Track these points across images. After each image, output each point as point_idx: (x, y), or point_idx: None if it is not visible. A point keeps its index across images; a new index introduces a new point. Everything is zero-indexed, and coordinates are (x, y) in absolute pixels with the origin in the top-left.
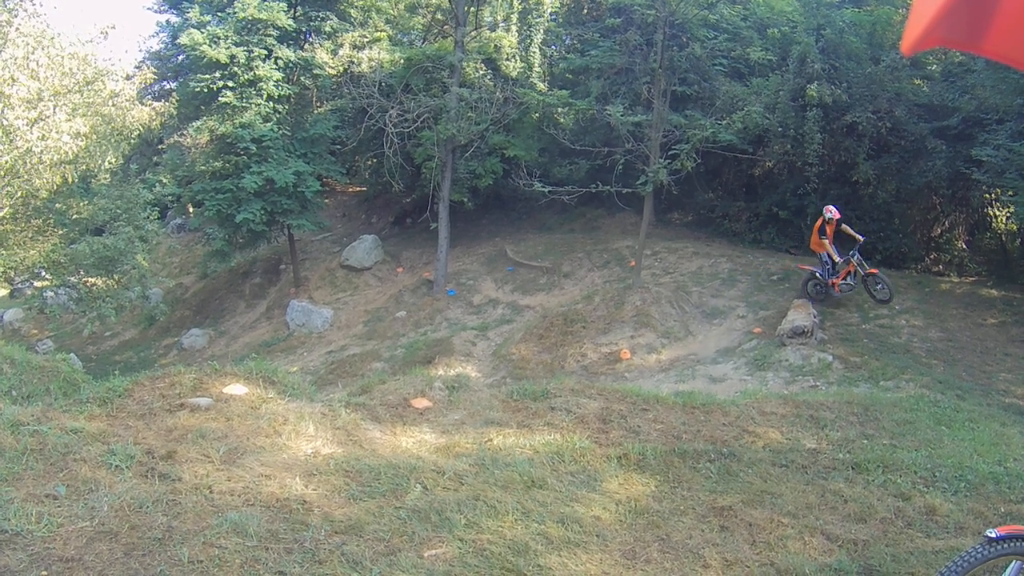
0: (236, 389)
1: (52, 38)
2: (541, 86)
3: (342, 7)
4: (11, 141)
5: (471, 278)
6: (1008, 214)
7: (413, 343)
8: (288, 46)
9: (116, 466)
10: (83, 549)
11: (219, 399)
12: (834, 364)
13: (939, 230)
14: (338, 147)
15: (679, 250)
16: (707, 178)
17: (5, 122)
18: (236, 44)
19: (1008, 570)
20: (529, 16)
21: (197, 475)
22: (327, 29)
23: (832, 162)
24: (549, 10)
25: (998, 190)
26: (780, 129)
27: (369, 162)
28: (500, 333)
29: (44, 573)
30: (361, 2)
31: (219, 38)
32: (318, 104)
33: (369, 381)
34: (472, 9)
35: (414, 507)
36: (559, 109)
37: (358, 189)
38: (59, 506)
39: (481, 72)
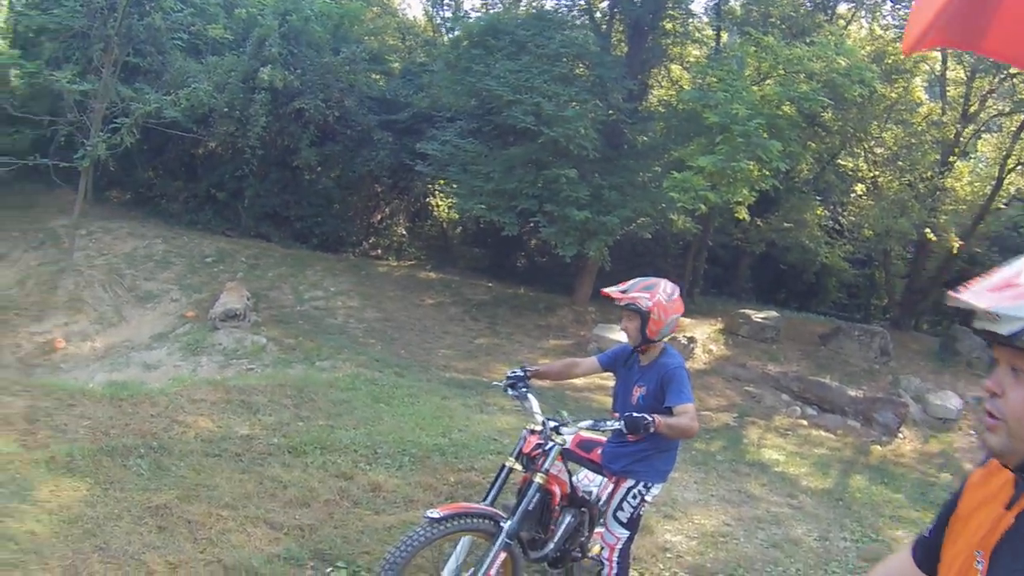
0: None
1: None
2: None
3: None
4: None
5: None
6: (450, 204)
7: None
8: None
9: None
10: None
11: None
12: (268, 346)
13: (380, 216)
14: None
15: (115, 230)
16: (149, 156)
17: None
18: None
19: (459, 546)
20: None
21: None
22: None
23: (276, 146)
24: None
25: (441, 181)
26: (227, 110)
27: None
28: None
29: None
30: None
31: None
32: None
33: None
34: None
35: None
36: (13, 71)
37: None
38: None
39: None
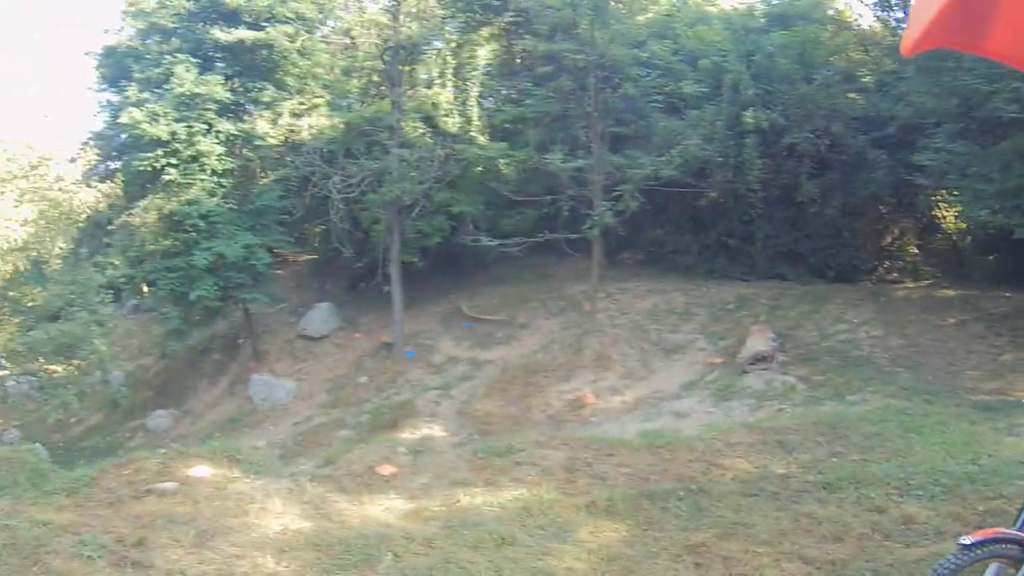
0: (201, 471)
1: None
2: (481, 139)
3: (279, 76)
4: None
5: (429, 337)
6: (955, 213)
7: (377, 408)
8: (228, 118)
9: (89, 556)
10: None
11: (185, 482)
12: (797, 385)
13: (889, 238)
14: (285, 216)
15: (632, 289)
16: (653, 215)
17: None
18: (176, 120)
19: (987, 573)
20: (463, 71)
21: (169, 560)
22: (265, 99)
23: (775, 185)
24: (483, 63)
25: (943, 191)
26: (720, 159)
27: (317, 229)
28: (463, 391)
29: None
30: (297, 70)
31: (158, 115)
32: (262, 175)
33: (334, 451)
34: (407, 68)
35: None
36: (500, 161)
37: (309, 257)
38: None
39: (420, 131)
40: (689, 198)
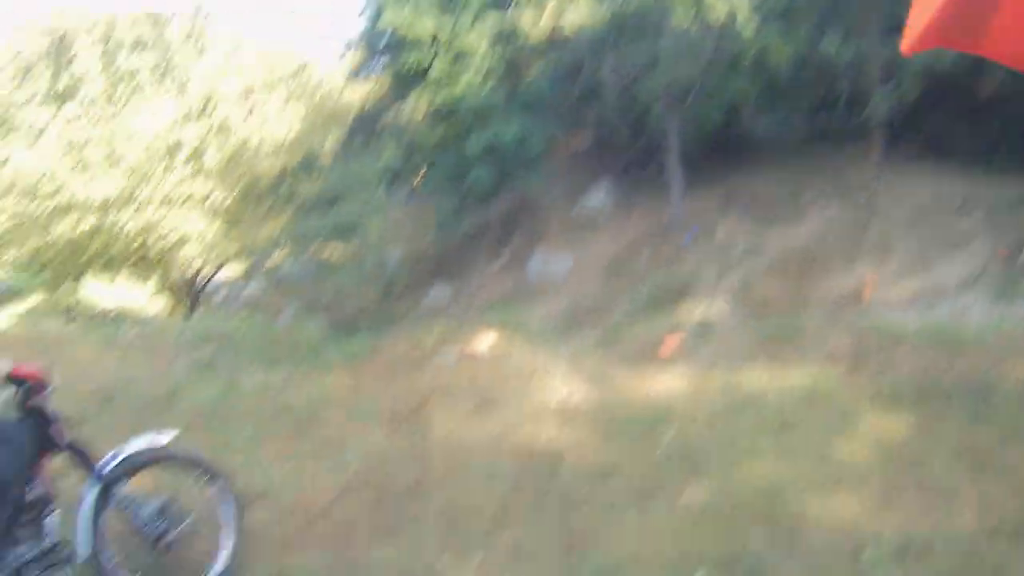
0: (481, 341)
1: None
2: (753, 25)
3: None
4: (227, 136)
5: (707, 220)
6: None
7: (656, 286)
8: (493, 13)
9: (363, 423)
10: (332, 503)
11: (463, 354)
12: None
13: None
14: (558, 103)
15: (912, 179)
16: (932, 103)
17: (220, 117)
18: (440, 16)
19: None
20: None
21: (446, 427)
22: None
23: None
24: None
25: None
26: None
27: (591, 114)
28: (742, 272)
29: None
30: None
31: (422, 13)
32: (531, 65)
33: (615, 326)
34: None
35: (667, 451)
36: (774, 47)
37: (583, 141)
38: (308, 464)
39: (692, 15)
40: (969, 87)
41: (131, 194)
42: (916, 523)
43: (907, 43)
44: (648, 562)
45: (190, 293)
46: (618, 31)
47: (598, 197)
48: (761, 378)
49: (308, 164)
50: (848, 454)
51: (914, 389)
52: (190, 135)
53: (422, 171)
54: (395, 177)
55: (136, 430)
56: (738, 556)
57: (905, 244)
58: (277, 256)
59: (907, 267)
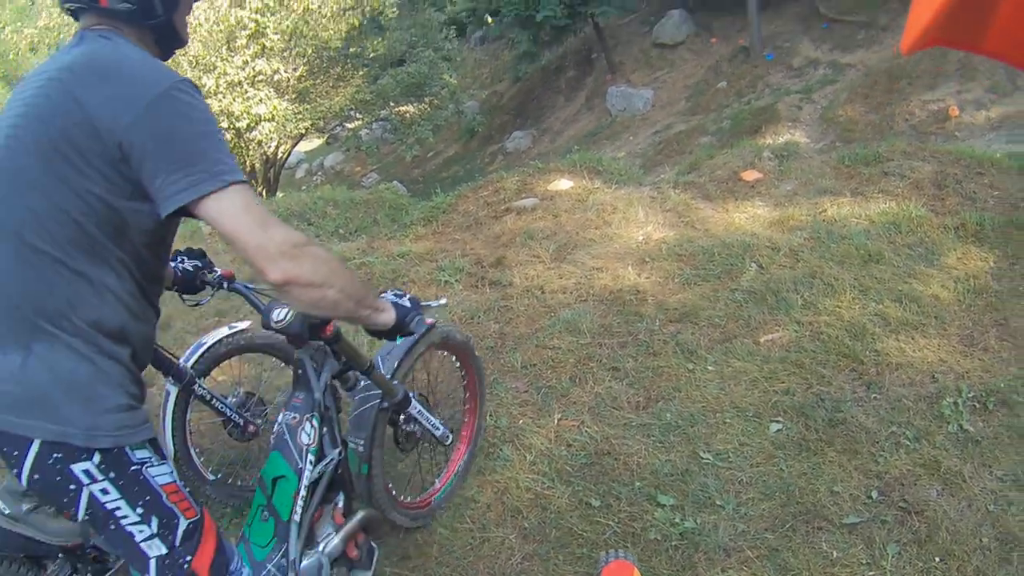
0: (561, 184)
1: None
2: None
3: None
4: (287, 7)
5: (787, 40)
6: None
7: (738, 113)
8: None
9: (445, 281)
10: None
11: (544, 197)
12: None
13: None
14: None
15: None
16: None
17: None
18: None
19: None
20: None
21: (527, 277)
22: None
23: None
24: None
25: None
26: None
27: None
28: (824, 95)
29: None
30: None
31: None
32: None
33: (697, 157)
34: None
35: (749, 288)
36: None
37: None
38: None
39: None
40: None
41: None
42: (997, 371)
43: (907, 43)
44: (725, 413)
45: (267, 175)
46: None
47: (674, 22)
48: (846, 207)
49: (373, 23)
50: (932, 292)
51: (1001, 223)
52: (248, 16)
53: (493, 12)
54: (466, 21)
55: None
56: (818, 403)
57: (993, 65)
58: (353, 124)
59: (994, 90)
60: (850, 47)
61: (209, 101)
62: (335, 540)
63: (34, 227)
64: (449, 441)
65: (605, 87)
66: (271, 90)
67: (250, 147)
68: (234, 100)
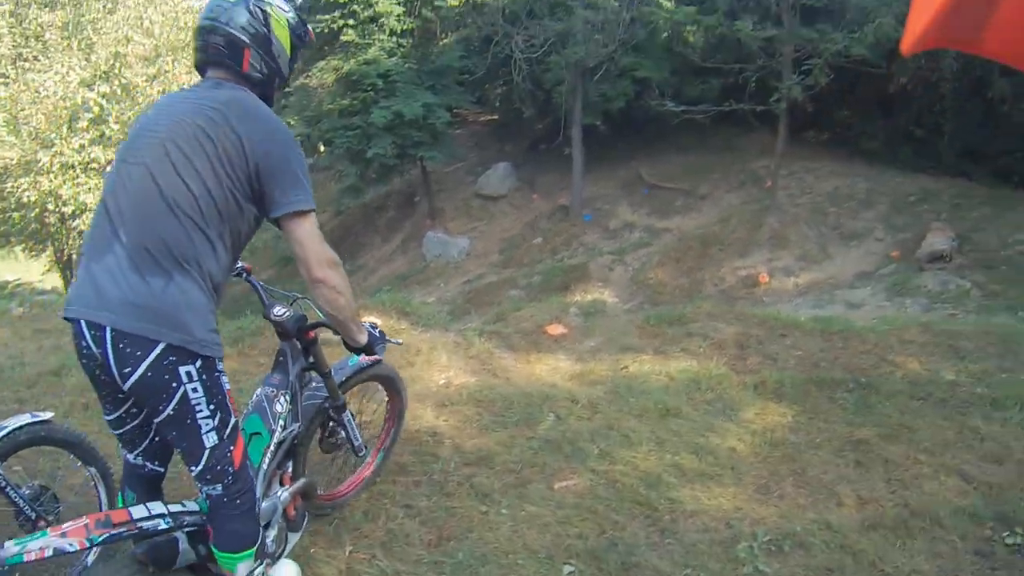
0: (369, 322)
1: None
2: (668, 4)
3: None
4: (132, 98)
5: (607, 202)
6: None
7: (550, 270)
8: None
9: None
10: None
11: None
12: (973, 291)
13: None
14: (466, 76)
15: (816, 169)
16: (841, 95)
17: (125, 80)
18: None
19: None
20: None
21: None
22: None
23: (967, 77)
24: None
25: None
26: None
27: (498, 90)
28: (637, 257)
29: None
30: None
31: None
32: (442, 35)
33: (504, 309)
34: None
35: (546, 437)
36: (687, 26)
37: (489, 118)
38: None
39: None
40: (878, 81)
41: (31, 160)
42: (794, 516)
43: (907, 43)
44: (517, 554)
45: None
46: (533, 2)
47: (499, 175)
48: (647, 364)
49: None
50: (729, 444)
51: (800, 381)
52: (93, 99)
53: (326, 142)
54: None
55: (19, 409)
56: (611, 547)
57: (804, 235)
58: None
59: (803, 258)
60: (668, 213)
61: (40, 179)
62: (284, 495)
63: (189, 202)
64: (362, 454)
65: (423, 231)
66: (102, 180)
67: (71, 235)
68: (64, 183)
